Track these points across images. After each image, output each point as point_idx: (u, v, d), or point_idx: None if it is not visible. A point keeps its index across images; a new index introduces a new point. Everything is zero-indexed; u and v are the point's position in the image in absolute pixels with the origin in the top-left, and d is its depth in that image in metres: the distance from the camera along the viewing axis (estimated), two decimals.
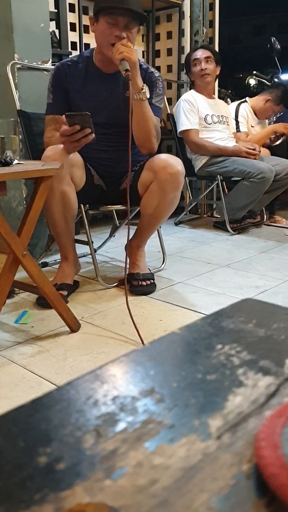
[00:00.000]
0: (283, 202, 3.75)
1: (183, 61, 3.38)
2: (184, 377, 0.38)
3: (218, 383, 0.37)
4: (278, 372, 0.39)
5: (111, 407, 0.34)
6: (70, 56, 2.46)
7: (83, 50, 3.01)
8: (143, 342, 1.53)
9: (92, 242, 2.10)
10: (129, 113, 1.75)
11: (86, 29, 3.01)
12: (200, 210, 3.70)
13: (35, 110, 2.27)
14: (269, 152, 3.46)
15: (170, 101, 3.57)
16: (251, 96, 3.52)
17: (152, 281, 2.04)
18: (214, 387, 0.37)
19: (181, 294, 1.99)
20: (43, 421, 0.33)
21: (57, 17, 2.76)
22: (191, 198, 3.54)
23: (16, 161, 1.50)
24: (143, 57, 3.66)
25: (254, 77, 4.45)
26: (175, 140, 3.21)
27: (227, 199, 3.05)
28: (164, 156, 1.92)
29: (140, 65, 1.90)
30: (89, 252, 2.14)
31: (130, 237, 1.92)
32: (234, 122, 3.35)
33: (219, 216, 3.44)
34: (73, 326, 1.64)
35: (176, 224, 3.34)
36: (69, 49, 2.87)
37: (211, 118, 3.09)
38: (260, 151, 3.04)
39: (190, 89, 3.27)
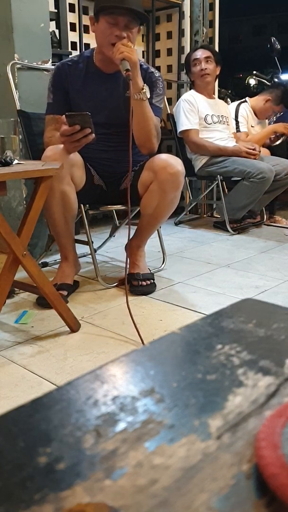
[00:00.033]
0: (283, 202, 3.75)
1: (183, 61, 3.38)
2: (184, 377, 0.38)
3: (218, 383, 0.37)
4: (278, 372, 0.39)
5: (111, 407, 0.34)
6: (70, 56, 2.46)
7: (83, 50, 3.01)
8: (143, 342, 1.53)
9: (92, 242, 2.10)
10: (130, 113, 1.76)
11: (86, 29, 3.01)
12: (200, 210, 3.70)
13: (35, 110, 2.27)
14: (269, 152, 3.46)
15: (170, 101, 3.57)
16: (251, 96, 3.52)
17: (152, 281, 2.04)
18: (214, 387, 0.37)
19: (181, 294, 1.99)
20: (43, 421, 0.33)
21: (57, 17, 2.76)
22: (191, 198, 3.54)
23: (16, 161, 1.50)
24: (143, 57, 3.66)
25: (254, 77, 4.45)
26: (175, 140, 3.21)
27: (227, 199, 3.05)
28: (164, 156, 1.92)
29: (141, 65, 1.90)
30: (89, 252, 2.14)
31: (130, 237, 1.92)
32: (234, 122, 3.35)
33: (219, 216, 3.44)
34: (73, 326, 1.64)
35: (176, 224, 3.34)
36: (69, 49, 2.87)
37: (211, 118, 3.09)
38: (260, 151, 3.04)
39: (190, 89, 3.27)
